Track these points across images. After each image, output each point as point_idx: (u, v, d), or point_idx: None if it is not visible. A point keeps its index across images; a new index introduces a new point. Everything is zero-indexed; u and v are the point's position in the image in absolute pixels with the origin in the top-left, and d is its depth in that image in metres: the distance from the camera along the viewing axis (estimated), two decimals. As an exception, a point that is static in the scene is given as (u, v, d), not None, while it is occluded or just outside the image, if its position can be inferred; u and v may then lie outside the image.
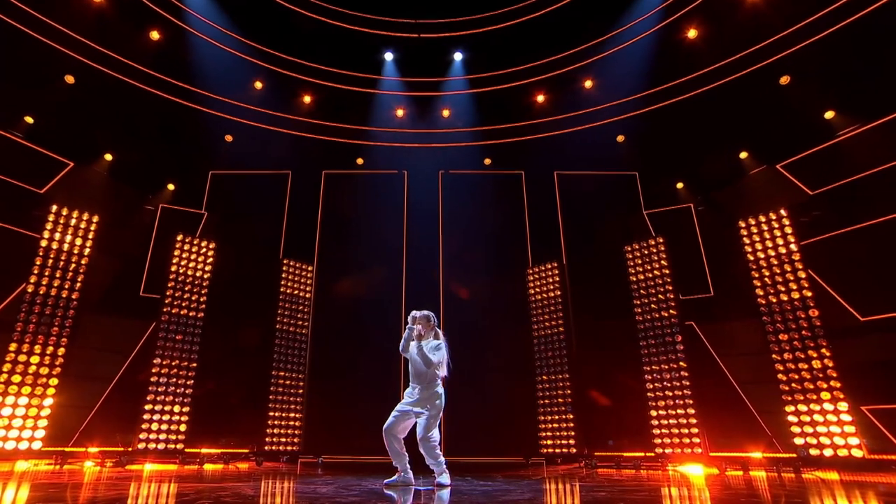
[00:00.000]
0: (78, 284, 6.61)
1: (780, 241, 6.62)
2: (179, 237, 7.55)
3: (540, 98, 9.10)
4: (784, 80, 6.88)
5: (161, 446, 6.59)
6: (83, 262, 6.73)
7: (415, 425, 4.02)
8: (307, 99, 9.12)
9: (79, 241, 6.79)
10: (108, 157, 7.53)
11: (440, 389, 4.09)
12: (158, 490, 3.59)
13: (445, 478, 3.95)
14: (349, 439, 7.68)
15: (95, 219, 6.95)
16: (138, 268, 7.45)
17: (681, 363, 6.87)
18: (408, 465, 4.02)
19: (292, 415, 7.82)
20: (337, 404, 7.97)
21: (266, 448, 7.37)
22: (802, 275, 6.35)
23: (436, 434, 4.00)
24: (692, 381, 6.76)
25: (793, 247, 6.52)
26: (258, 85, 8.78)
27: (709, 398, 6.72)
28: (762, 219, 6.82)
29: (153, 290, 7.36)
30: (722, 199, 7.67)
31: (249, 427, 7.38)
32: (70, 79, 7.08)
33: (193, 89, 8.20)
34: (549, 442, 7.65)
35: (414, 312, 4.24)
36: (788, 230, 6.60)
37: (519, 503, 3.02)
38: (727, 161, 7.58)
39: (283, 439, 7.62)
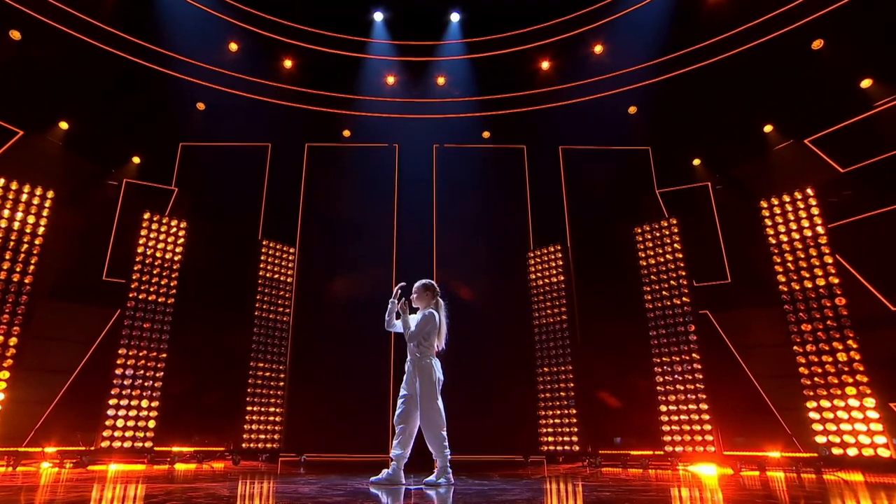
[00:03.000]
0: (31, 267, 6.40)
1: (805, 224, 6.51)
2: (146, 216, 7.38)
3: (545, 65, 8.93)
4: (817, 44, 6.70)
5: (127, 444, 6.50)
6: (37, 242, 6.52)
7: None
8: (288, 63, 8.90)
9: (31, 220, 6.56)
10: (64, 125, 7.26)
11: (429, 361, 4.06)
12: (124, 491, 3.54)
13: (443, 479, 3.89)
14: (335, 436, 7.67)
15: (50, 194, 6.72)
16: (100, 249, 7.25)
17: (693, 355, 6.83)
18: (402, 463, 3.97)
19: (272, 409, 7.78)
20: (322, 398, 7.93)
21: (243, 446, 7.33)
22: (829, 260, 6.25)
23: (435, 414, 3.92)
24: (706, 375, 6.74)
25: (819, 229, 6.41)
26: (233, 47, 8.54)
27: (723, 393, 6.69)
28: (786, 199, 6.70)
29: (117, 274, 7.19)
30: (742, 177, 7.55)
31: (225, 423, 7.32)
32: (16, 34, 6.78)
33: (160, 50, 7.93)
34: (550, 439, 7.67)
35: (402, 284, 4.22)
36: (815, 211, 6.48)
37: (517, 503, 2.99)
38: (749, 135, 7.43)
39: (263, 436, 7.58)
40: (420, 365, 4.07)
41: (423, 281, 4.31)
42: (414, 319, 4.19)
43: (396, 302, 4.21)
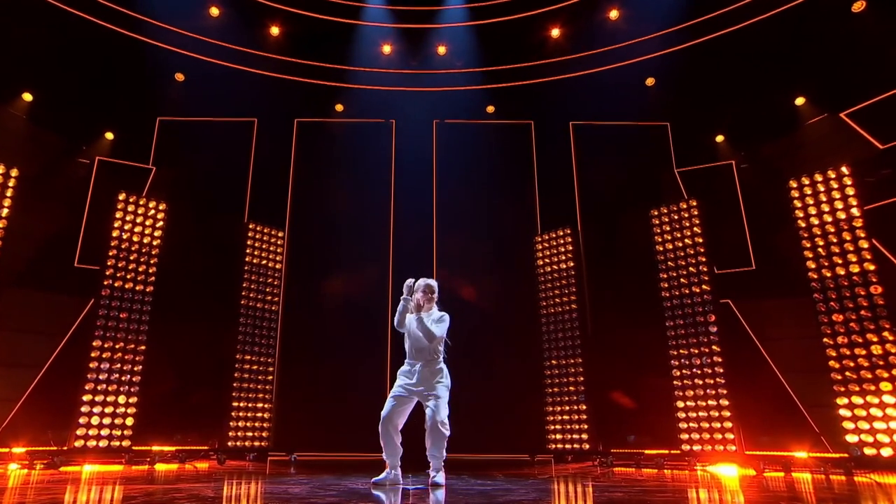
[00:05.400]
0: (-6, 253, 6.36)
1: (838, 205, 6.41)
2: (122, 196, 7.29)
3: (555, 32, 8.73)
4: (858, 6, 6.51)
5: (103, 444, 6.48)
6: (0, 225, 6.42)
7: (413, 412, 4.13)
8: (275, 30, 8.72)
9: (-7, 200, 6.52)
10: (28, 96, 7.12)
11: (443, 366, 4.20)
12: (100, 494, 3.57)
13: (441, 476, 4.03)
14: (328, 434, 7.67)
15: (14, 173, 6.61)
16: (72, 233, 7.15)
17: (714, 347, 6.79)
18: (399, 462, 4.09)
19: (260, 406, 7.78)
20: (313, 393, 7.93)
21: (229, 444, 7.34)
22: (864, 245, 6.15)
23: (448, 418, 4.07)
24: (727, 369, 6.70)
25: (854, 211, 6.31)
26: (214, 12, 8.34)
27: (746, 389, 6.66)
28: (818, 178, 6.59)
29: (90, 261, 7.10)
30: (770, 155, 7.42)
31: (209, 420, 7.32)
32: (-27, -4, 6.63)
33: (135, 15, 7.78)
34: (559, 437, 7.68)
35: (409, 281, 4.28)
36: (850, 192, 6.37)
37: None
38: (779, 109, 7.28)
39: (250, 434, 7.60)
40: (441, 368, 4.19)
41: (427, 281, 4.34)
42: (430, 320, 4.20)
43: (411, 299, 4.24)
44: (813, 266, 6.42)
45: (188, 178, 8.05)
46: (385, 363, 7.97)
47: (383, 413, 4.04)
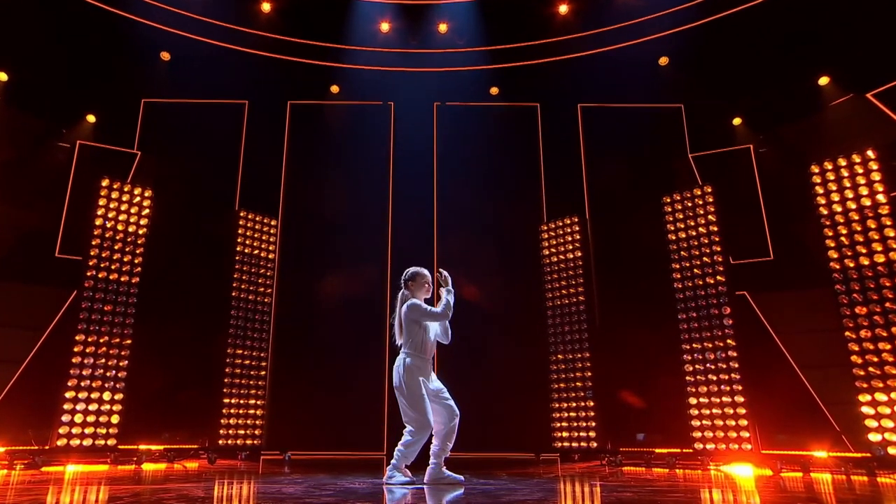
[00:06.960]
0: (-30, 243, 6.35)
1: (863, 191, 6.33)
2: (105, 183, 7.24)
3: (563, 8, 8.66)
4: (885, -22, 6.43)
5: (87, 443, 6.49)
6: (-25, 213, 6.47)
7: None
8: (266, 7, 8.67)
9: (-32, 187, 6.48)
10: (2, 76, 7.06)
11: None
12: (84, 494, 3.58)
13: None
14: (323, 432, 7.71)
15: (-10, 158, 6.61)
16: (52, 222, 7.12)
17: (729, 341, 6.76)
18: None
19: (253, 402, 7.80)
20: (308, 390, 7.95)
21: (220, 443, 7.37)
22: (890, 233, 6.08)
23: None
24: (742, 364, 6.67)
25: (880, 198, 6.22)
26: (202, -14, 8.31)
27: (762, 385, 6.64)
28: (842, 162, 6.51)
29: (72, 251, 7.08)
30: (791, 138, 7.36)
31: (199, 418, 7.34)
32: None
33: (118, -9, 7.76)
34: (565, 434, 7.70)
35: (444, 272, 4.30)
36: (876, 177, 6.28)
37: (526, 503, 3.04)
38: (801, 89, 7.21)
39: (242, 432, 7.63)
40: None
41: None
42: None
43: (452, 292, 4.26)
44: (835, 256, 6.36)
45: (175, 164, 8.02)
46: (383, 358, 7.96)
47: (430, 420, 4.05)
